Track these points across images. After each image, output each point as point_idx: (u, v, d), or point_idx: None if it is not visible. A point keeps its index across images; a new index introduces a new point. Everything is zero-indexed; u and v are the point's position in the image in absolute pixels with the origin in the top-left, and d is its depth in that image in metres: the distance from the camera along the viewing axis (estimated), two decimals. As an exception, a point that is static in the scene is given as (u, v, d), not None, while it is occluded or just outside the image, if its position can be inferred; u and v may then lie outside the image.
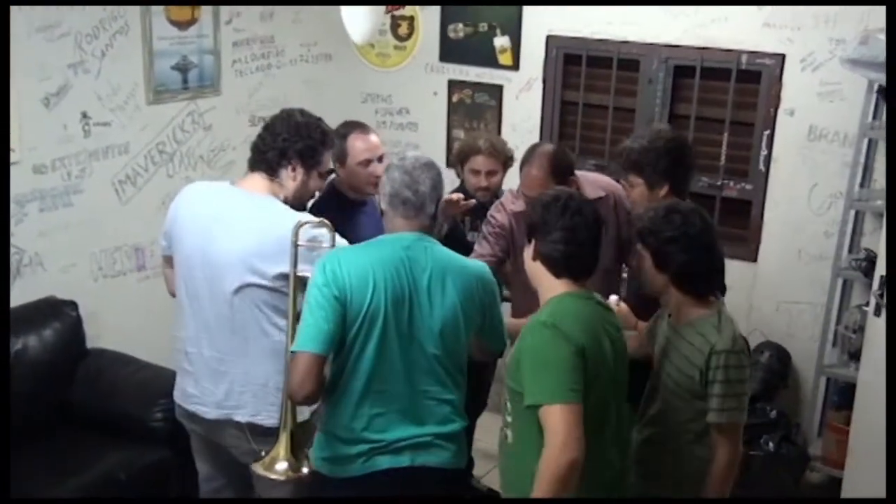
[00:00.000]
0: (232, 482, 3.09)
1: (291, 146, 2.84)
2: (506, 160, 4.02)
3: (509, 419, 2.60)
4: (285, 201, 2.85)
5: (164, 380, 3.73)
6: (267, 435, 2.75)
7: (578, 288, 2.59)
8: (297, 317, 2.60)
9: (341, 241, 2.76)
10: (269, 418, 2.80)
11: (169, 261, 3.00)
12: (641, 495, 2.85)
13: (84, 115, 4.01)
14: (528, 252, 2.63)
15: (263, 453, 2.66)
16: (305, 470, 2.62)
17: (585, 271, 2.61)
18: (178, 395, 3.01)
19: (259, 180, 2.86)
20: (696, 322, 2.74)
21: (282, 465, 2.60)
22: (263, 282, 2.72)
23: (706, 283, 2.77)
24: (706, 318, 2.74)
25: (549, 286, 2.59)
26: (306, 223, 2.69)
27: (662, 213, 2.75)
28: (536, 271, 2.62)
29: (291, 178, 2.87)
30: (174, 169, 4.46)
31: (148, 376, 3.90)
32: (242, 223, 2.75)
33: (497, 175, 4.00)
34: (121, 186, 4.24)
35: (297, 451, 2.61)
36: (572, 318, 2.50)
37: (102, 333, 4.12)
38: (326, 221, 2.72)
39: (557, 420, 2.38)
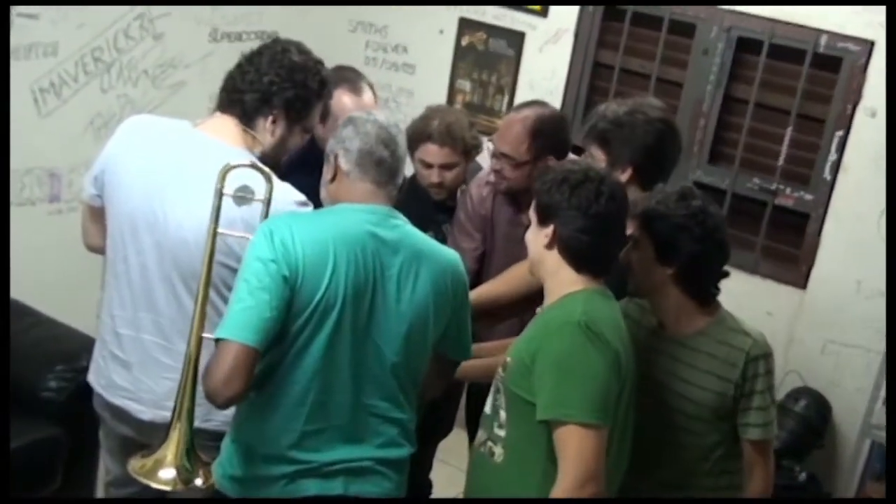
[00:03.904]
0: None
1: (279, 93, 2.52)
2: (467, 149, 3.35)
3: (501, 433, 2.38)
4: (261, 158, 2.49)
5: (65, 342, 3.54)
6: (217, 440, 2.43)
7: (600, 284, 2.40)
8: (207, 286, 2.26)
9: (287, 198, 2.40)
10: (223, 424, 2.45)
11: (95, 212, 2.63)
12: None
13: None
14: (541, 237, 2.38)
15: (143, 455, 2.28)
16: (199, 482, 2.25)
17: (609, 266, 2.43)
18: (98, 383, 2.68)
19: (230, 126, 2.53)
20: (710, 330, 2.55)
21: (167, 473, 2.22)
22: (229, 261, 2.37)
23: (712, 285, 2.59)
24: (717, 324, 2.57)
25: (566, 280, 2.37)
26: (237, 166, 2.33)
27: (675, 197, 2.55)
28: (550, 261, 2.39)
29: (269, 132, 2.54)
30: (110, 82, 4.04)
31: (47, 335, 3.55)
32: (209, 183, 2.34)
33: (455, 169, 3.34)
34: (41, 95, 3.82)
35: (192, 457, 2.25)
36: (608, 321, 2.33)
37: (-3, 273, 3.68)
38: (265, 168, 2.35)
39: (584, 445, 2.19)
